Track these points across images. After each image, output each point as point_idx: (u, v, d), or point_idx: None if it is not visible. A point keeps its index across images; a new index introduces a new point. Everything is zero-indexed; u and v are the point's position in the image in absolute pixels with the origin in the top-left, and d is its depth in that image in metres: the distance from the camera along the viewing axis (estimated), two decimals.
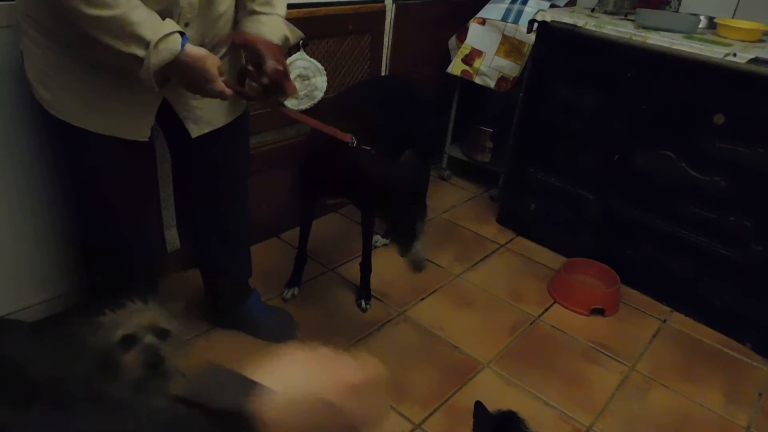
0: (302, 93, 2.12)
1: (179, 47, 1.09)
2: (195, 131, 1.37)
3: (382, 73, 2.49)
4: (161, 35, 1.06)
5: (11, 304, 1.60)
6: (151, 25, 1.06)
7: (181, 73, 1.14)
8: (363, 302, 1.97)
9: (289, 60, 1.84)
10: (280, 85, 1.26)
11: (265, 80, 1.24)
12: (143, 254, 1.54)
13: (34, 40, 1.19)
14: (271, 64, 1.23)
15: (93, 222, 1.45)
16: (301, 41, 1.57)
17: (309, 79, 1.96)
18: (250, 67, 1.29)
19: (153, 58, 1.06)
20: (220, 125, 1.42)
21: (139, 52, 1.06)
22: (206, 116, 1.38)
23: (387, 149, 2.06)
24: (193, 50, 1.12)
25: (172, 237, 1.95)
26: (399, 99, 1.99)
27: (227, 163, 1.52)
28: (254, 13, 1.31)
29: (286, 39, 1.35)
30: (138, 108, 1.28)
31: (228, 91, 1.19)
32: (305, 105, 2.13)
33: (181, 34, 1.10)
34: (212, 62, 1.15)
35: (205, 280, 1.77)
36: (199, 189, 1.56)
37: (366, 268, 1.98)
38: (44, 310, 1.67)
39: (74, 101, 1.23)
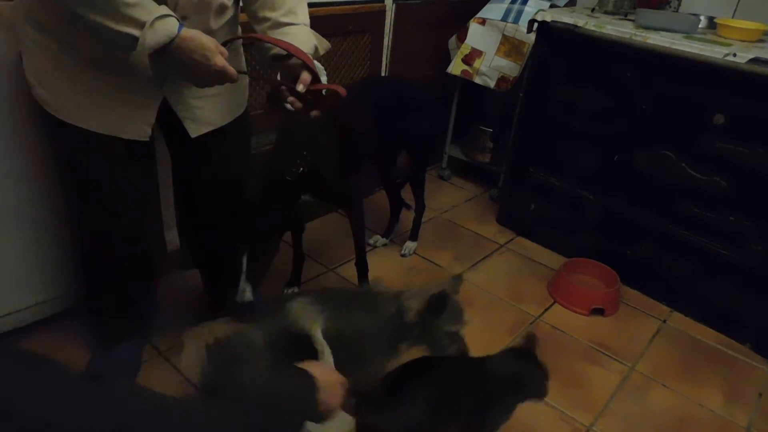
0: None
1: (176, 29, 1.05)
2: (194, 131, 1.36)
3: (383, 74, 2.49)
4: (159, 15, 1.03)
5: (11, 304, 1.60)
6: (146, 6, 1.03)
7: (180, 58, 1.09)
8: None
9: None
10: (319, 93, 1.22)
11: (300, 88, 1.20)
12: (143, 254, 1.53)
13: (33, 38, 1.18)
14: (305, 75, 1.19)
15: (93, 222, 1.45)
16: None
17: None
18: (283, 87, 1.23)
19: (149, 37, 1.03)
20: (219, 125, 1.41)
21: (134, 31, 1.03)
22: (206, 116, 1.37)
23: (380, 149, 2.06)
24: (189, 32, 1.08)
25: (172, 237, 1.95)
26: (393, 100, 1.98)
27: (228, 163, 1.52)
28: (280, 24, 1.26)
29: (316, 49, 1.30)
30: (138, 107, 1.27)
31: (232, 69, 1.13)
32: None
33: (178, 20, 1.07)
34: (209, 38, 1.10)
35: (205, 280, 1.77)
36: (200, 189, 1.56)
37: (362, 267, 1.98)
38: (44, 310, 1.67)
39: (72, 100, 1.22)
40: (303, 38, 1.26)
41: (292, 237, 1.96)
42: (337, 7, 2.14)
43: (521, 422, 1.59)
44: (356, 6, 2.22)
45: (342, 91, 1.24)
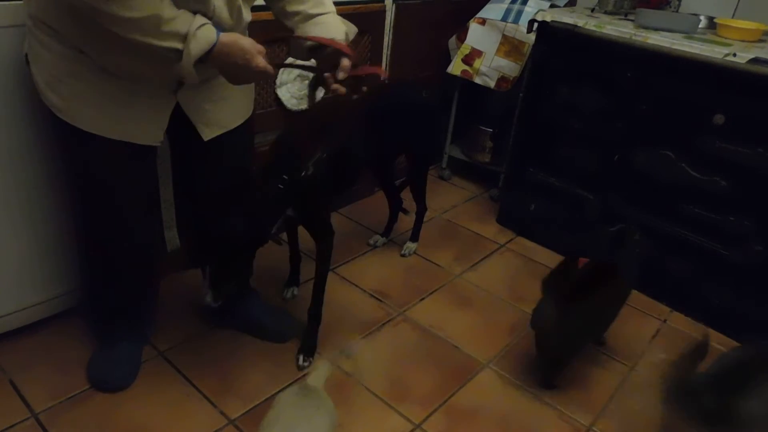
0: (302, 93, 2.12)
1: (215, 36, 1.09)
2: (207, 134, 1.38)
3: None
4: (198, 25, 1.07)
5: (11, 304, 1.60)
6: (184, 19, 1.07)
7: (221, 62, 1.13)
8: (301, 358, 1.68)
9: (288, 60, 1.84)
10: (359, 76, 1.30)
11: (341, 75, 1.27)
12: (144, 254, 1.54)
13: (45, 45, 1.18)
14: (345, 61, 1.26)
15: (95, 222, 1.45)
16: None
17: (310, 78, 1.95)
18: (326, 75, 1.30)
19: (193, 46, 1.07)
20: (231, 127, 1.42)
21: (177, 44, 1.07)
22: (218, 119, 1.38)
23: (378, 153, 2.03)
24: (227, 36, 1.12)
25: (172, 237, 1.95)
26: (389, 102, 1.96)
27: (231, 163, 1.52)
28: (311, 16, 1.33)
29: (347, 35, 1.36)
30: (152, 113, 1.28)
31: (270, 68, 1.17)
32: (305, 105, 2.13)
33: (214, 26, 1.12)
34: (247, 41, 1.14)
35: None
36: (201, 189, 1.56)
37: (316, 311, 1.71)
38: (44, 310, 1.68)
39: (87, 107, 1.22)
40: (335, 26, 1.33)
41: (287, 236, 1.96)
42: (337, 7, 2.12)
43: (521, 422, 1.59)
44: (356, 6, 2.22)
45: (382, 72, 1.34)
